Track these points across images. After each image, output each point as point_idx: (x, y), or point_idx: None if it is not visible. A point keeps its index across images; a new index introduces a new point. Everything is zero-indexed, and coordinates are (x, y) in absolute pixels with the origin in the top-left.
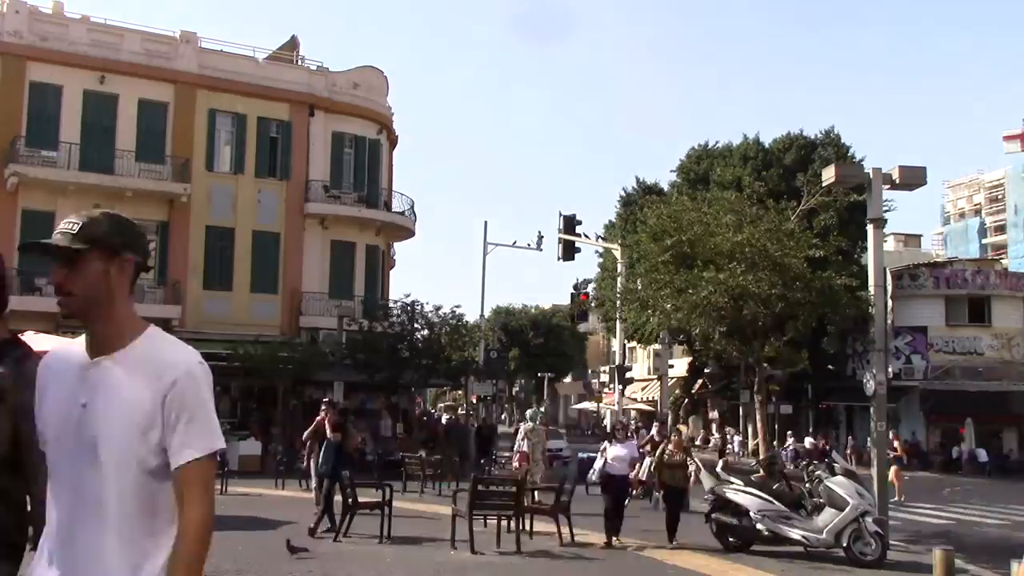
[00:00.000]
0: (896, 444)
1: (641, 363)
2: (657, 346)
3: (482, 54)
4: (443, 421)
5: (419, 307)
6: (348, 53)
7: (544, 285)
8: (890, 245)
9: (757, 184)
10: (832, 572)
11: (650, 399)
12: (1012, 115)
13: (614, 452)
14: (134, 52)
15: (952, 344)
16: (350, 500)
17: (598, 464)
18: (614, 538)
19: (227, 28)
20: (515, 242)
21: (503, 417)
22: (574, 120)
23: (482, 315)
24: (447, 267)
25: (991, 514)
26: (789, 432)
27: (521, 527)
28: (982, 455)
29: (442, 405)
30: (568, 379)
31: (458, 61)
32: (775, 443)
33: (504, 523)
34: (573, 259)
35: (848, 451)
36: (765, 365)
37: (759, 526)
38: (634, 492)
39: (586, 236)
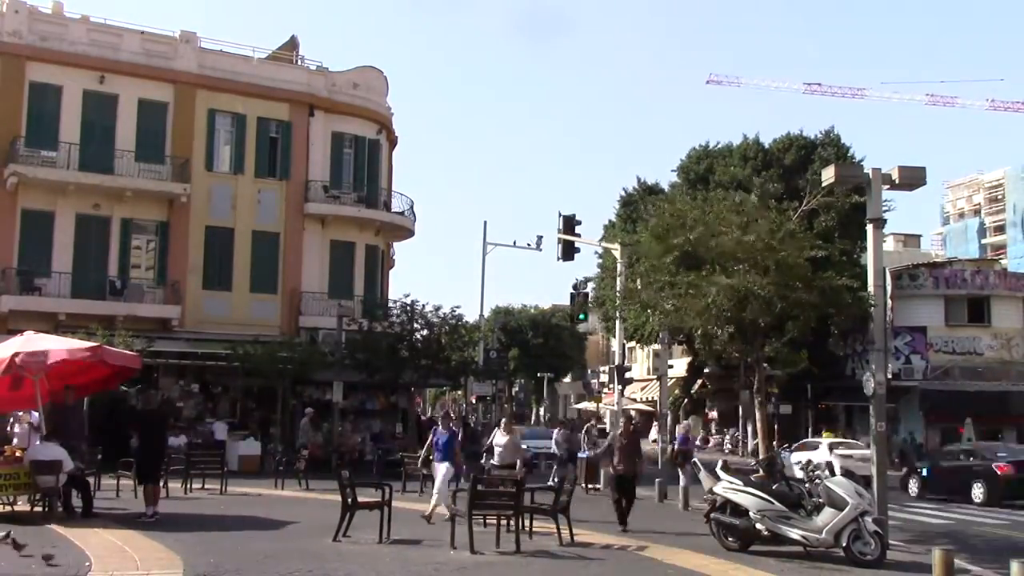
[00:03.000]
0: None
1: (641, 363)
2: (657, 346)
3: (482, 54)
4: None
5: (418, 307)
6: (348, 53)
7: (544, 285)
8: (889, 245)
9: (770, 187)
10: (832, 572)
11: (650, 399)
12: (1012, 114)
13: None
14: (134, 52)
15: (951, 344)
16: (349, 500)
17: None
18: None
19: (227, 28)
20: (515, 242)
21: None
22: (574, 120)
23: (482, 315)
24: (447, 267)
25: (991, 514)
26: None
27: (521, 527)
28: None
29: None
30: (568, 379)
31: (458, 61)
32: (775, 443)
33: (504, 523)
34: (573, 259)
35: None
36: (765, 365)
37: (758, 526)
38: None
39: (578, 235)
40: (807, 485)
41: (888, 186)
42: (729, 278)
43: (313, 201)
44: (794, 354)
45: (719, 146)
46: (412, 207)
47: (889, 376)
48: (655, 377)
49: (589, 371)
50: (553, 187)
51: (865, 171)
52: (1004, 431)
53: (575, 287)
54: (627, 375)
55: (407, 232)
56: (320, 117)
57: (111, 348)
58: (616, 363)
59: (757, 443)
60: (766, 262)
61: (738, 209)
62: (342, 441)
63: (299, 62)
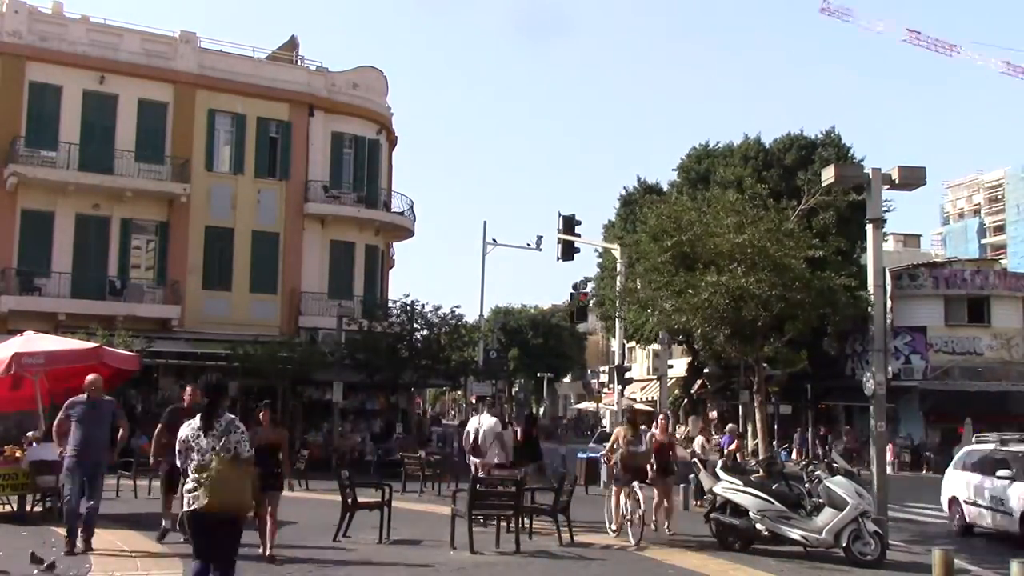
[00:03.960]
0: None
1: (640, 363)
2: (656, 346)
3: (482, 54)
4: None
5: (418, 307)
6: (348, 53)
7: (544, 285)
8: (889, 245)
9: (761, 186)
10: (831, 572)
11: (649, 399)
12: (1011, 115)
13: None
14: (134, 52)
15: (951, 344)
16: (349, 500)
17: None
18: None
19: (227, 28)
20: (502, 241)
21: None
22: (574, 120)
23: (481, 315)
24: (447, 267)
25: None
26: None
27: (521, 527)
28: None
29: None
30: (568, 379)
31: (458, 61)
32: (774, 443)
33: (504, 523)
34: (572, 259)
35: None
36: (764, 365)
37: (758, 526)
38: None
39: (578, 235)
40: (807, 485)
41: (888, 186)
42: (722, 276)
43: (313, 201)
44: (793, 354)
45: (720, 146)
46: (412, 207)
47: (889, 376)
48: (655, 377)
49: (589, 371)
50: (553, 187)
51: (865, 171)
52: (1004, 431)
53: (575, 287)
54: (627, 375)
55: (407, 232)
56: (320, 117)
57: (110, 349)
58: (616, 363)
59: (757, 443)
60: (761, 262)
61: (733, 209)
62: (342, 441)
63: (299, 62)
